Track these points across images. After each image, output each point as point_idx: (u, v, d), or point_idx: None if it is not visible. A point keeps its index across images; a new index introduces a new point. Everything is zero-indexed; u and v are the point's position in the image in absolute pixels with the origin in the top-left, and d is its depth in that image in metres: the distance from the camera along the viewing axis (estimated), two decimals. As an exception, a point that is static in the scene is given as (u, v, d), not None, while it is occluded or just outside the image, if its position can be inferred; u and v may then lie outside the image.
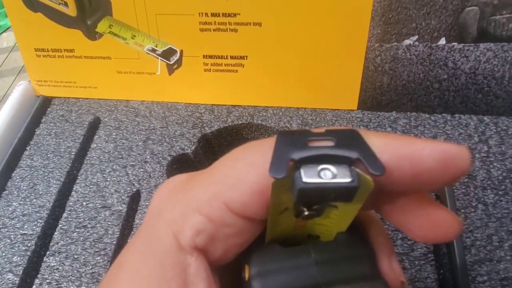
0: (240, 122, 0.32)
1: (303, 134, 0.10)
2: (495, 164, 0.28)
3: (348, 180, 0.09)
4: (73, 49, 0.33)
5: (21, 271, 0.26)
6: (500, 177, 0.27)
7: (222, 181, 0.10)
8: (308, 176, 0.09)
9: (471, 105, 0.31)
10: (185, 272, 0.10)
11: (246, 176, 0.10)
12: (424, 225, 0.10)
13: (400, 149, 0.09)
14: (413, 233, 0.11)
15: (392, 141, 0.10)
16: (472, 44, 0.28)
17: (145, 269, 0.10)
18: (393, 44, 0.29)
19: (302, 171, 0.09)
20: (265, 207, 0.10)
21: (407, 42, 0.29)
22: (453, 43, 0.28)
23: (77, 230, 0.27)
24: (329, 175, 0.09)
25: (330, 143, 0.10)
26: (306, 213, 0.10)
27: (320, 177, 0.09)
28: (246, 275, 0.11)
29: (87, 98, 0.35)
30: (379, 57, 0.30)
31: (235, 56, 0.31)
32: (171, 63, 0.32)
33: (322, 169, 0.09)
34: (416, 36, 0.29)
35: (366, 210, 0.12)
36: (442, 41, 0.29)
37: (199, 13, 0.30)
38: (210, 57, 0.31)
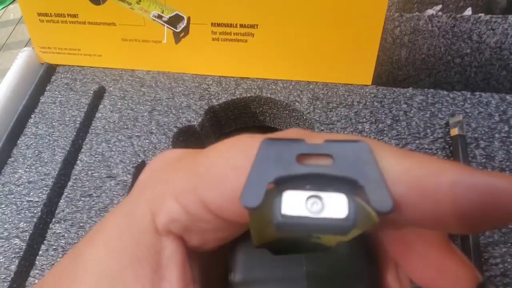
0: (248, 95, 0.31)
1: (294, 145, 0.08)
2: (515, 145, 0.26)
3: (342, 216, 0.07)
4: (77, 14, 0.31)
5: (27, 236, 0.26)
6: (520, 159, 0.26)
7: (202, 175, 0.09)
8: (291, 206, 0.07)
9: (493, 82, 0.29)
10: (159, 255, 0.10)
11: (225, 179, 0.09)
12: (428, 269, 0.09)
13: (425, 180, 0.07)
14: (412, 272, 0.09)
15: (416, 166, 0.07)
16: (500, 16, 0.26)
17: (119, 244, 0.10)
18: (414, 14, 0.27)
19: (283, 199, 0.07)
20: (245, 214, 0.09)
21: (430, 12, 0.27)
22: (480, 14, 0.26)
23: (82, 198, 0.27)
24: (319, 206, 0.07)
25: (327, 161, 0.07)
26: None
27: (307, 207, 0.07)
28: (231, 280, 0.10)
29: (91, 67, 0.34)
30: (398, 28, 0.28)
31: (245, 25, 0.30)
32: (177, 31, 0.31)
33: (311, 196, 0.07)
34: (440, 6, 0.27)
35: None
36: (468, 11, 0.27)
37: (208, -23, 0.28)
38: (219, 25, 0.30)
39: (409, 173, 0.07)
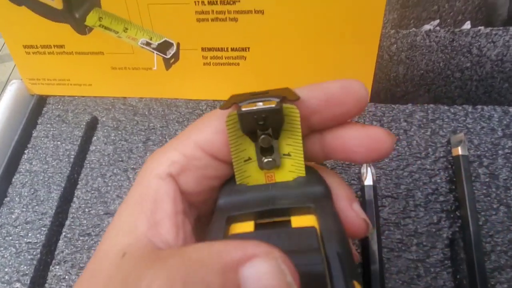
0: (243, 118, 0.30)
1: (250, 94, 0.13)
2: (520, 162, 0.25)
3: (273, 105, 0.12)
4: (63, 45, 0.30)
5: (28, 280, 0.26)
6: (526, 177, 0.25)
7: (193, 127, 0.13)
8: (245, 107, 0.12)
9: (495, 95, 0.28)
10: (158, 192, 0.13)
11: (211, 121, 0.13)
12: (361, 140, 0.13)
13: (312, 85, 0.13)
14: (353, 150, 0.13)
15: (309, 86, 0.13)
16: (501, 28, 0.25)
17: (130, 200, 0.13)
18: (411, 30, 0.26)
19: (242, 107, 0.12)
20: (227, 146, 0.13)
21: (427, 27, 0.26)
22: (479, 27, 0.25)
23: (81, 238, 0.27)
24: (260, 104, 0.12)
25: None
26: (265, 160, 0.13)
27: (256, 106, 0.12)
28: (216, 204, 0.13)
29: (83, 96, 0.33)
30: (395, 45, 0.27)
31: (236, 48, 0.29)
32: (167, 57, 0.30)
33: (256, 103, 0.12)
34: (438, 20, 0.26)
35: (316, 158, 0.14)
36: (467, 25, 0.26)
37: (195, 1, 0.27)
38: (209, 49, 0.29)
39: (305, 88, 0.13)
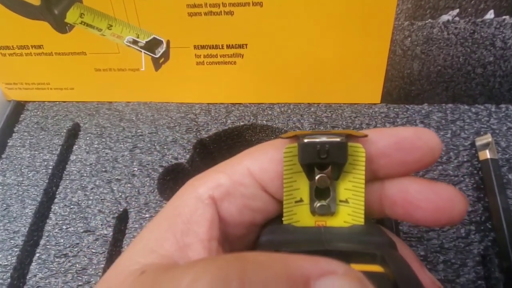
0: (241, 123, 0.27)
1: (313, 131, 0.13)
2: (556, 166, 0.22)
3: (338, 139, 0.11)
4: (42, 45, 0.28)
5: (-5, 311, 0.22)
6: None
7: (247, 153, 0.13)
8: (308, 139, 0.12)
9: (521, 92, 0.26)
10: (193, 213, 0.12)
11: (267, 149, 0.12)
12: (428, 196, 0.11)
13: (381, 128, 0.12)
14: (416, 206, 0.12)
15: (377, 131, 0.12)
16: (527, 17, 0.22)
17: (161, 216, 0.12)
18: (427, 22, 0.24)
19: (305, 139, 0.12)
20: (280, 180, 0.12)
21: (445, 18, 0.23)
22: (504, 17, 0.23)
23: (57, 259, 0.24)
24: (324, 138, 0.11)
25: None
26: (318, 204, 0.12)
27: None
28: (258, 241, 0.12)
29: (64, 101, 0.30)
30: (409, 38, 0.24)
31: (232, 45, 0.26)
32: (157, 56, 0.27)
33: (319, 137, 0.12)
34: (457, 10, 0.23)
35: (371, 211, 0.12)
36: (490, 14, 0.23)
37: (186, -6, 0.24)
38: (203, 47, 0.26)
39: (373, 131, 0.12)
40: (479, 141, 0.23)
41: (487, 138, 0.23)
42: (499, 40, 0.23)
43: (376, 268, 0.10)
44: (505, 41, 0.23)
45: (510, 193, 0.22)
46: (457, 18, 0.23)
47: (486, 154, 0.22)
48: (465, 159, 0.24)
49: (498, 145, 0.24)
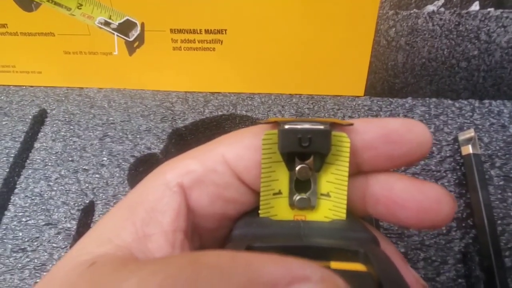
0: (220, 113, 0.26)
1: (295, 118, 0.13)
2: (538, 162, 0.22)
3: (321, 127, 0.11)
4: (6, 24, 0.26)
5: None
6: (546, 180, 0.22)
7: (222, 139, 0.12)
8: (289, 125, 0.11)
9: (505, 88, 0.25)
10: (156, 202, 0.11)
11: (244, 135, 0.11)
12: (413, 195, 0.11)
13: (368, 119, 0.11)
14: (401, 205, 0.11)
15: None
16: (512, 10, 0.22)
17: (122, 204, 0.11)
18: (411, 12, 0.23)
19: (285, 125, 0.11)
20: (257, 169, 0.11)
21: (430, 8, 0.23)
22: (489, 9, 0.22)
23: (13, 254, 0.22)
24: (307, 125, 0.11)
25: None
26: (298, 197, 0.11)
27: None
28: (231, 235, 0.11)
29: (31, 86, 0.28)
30: (394, 29, 0.24)
31: (210, 30, 0.25)
32: (130, 39, 0.25)
33: (301, 124, 0.11)
34: (442, 0, 0.22)
35: (353, 207, 0.12)
36: (475, 6, 0.22)
37: (163, -26, 0.23)
38: (180, 31, 0.25)
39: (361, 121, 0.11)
40: (462, 136, 0.23)
41: (470, 133, 0.22)
42: (483, 33, 0.23)
43: (358, 266, 0.09)
44: (489, 34, 0.23)
45: (492, 189, 0.22)
46: (442, 9, 0.23)
47: (469, 149, 0.22)
48: (447, 154, 0.23)
49: (481, 141, 0.23)
